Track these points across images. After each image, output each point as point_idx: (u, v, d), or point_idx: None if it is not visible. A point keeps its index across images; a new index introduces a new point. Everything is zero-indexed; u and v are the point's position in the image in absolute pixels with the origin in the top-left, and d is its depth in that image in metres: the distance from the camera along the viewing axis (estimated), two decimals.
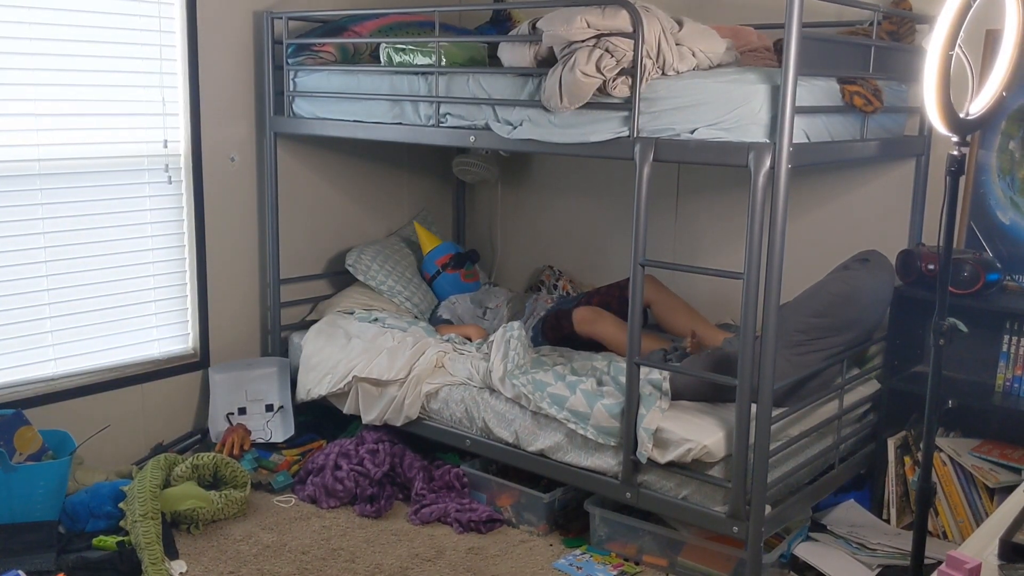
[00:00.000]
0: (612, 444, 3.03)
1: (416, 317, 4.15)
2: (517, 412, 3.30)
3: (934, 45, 1.99)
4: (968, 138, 2.17)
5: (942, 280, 2.25)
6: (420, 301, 4.23)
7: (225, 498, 3.29)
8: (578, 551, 3.15)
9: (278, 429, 3.90)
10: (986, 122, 2.21)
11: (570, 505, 3.33)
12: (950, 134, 2.13)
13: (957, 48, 1.97)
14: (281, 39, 3.89)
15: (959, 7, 1.96)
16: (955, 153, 2.14)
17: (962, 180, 2.37)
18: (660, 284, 3.79)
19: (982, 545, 1.73)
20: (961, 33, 1.98)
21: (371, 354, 3.65)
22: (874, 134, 3.14)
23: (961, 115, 2.11)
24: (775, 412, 2.79)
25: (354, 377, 3.63)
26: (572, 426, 3.09)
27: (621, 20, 2.84)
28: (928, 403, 2.31)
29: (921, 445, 3.25)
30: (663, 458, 2.91)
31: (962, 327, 2.22)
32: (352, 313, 4.07)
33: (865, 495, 3.39)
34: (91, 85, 3.53)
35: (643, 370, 3.01)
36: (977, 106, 2.14)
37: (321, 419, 3.99)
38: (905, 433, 3.36)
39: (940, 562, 2.86)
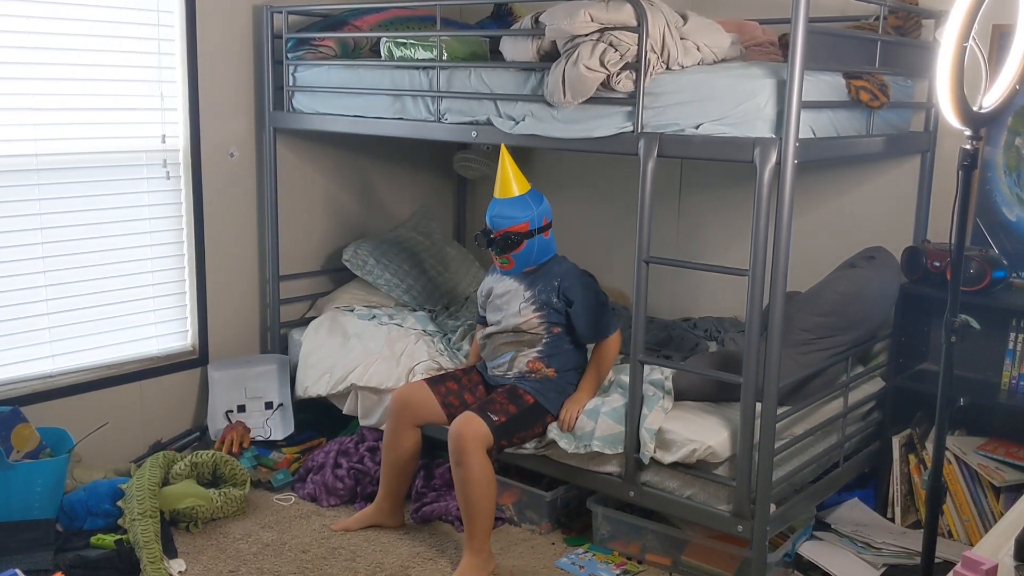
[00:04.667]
0: (619, 451, 2.99)
1: (414, 311, 4.11)
2: None
3: (948, 37, 1.96)
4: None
5: (954, 276, 2.22)
6: (419, 294, 4.18)
7: (224, 496, 3.27)
8: (581, 550, 3.13)
9: (278, 427, 3.87)
10: (999, 116, 2.18)
11: (572, 503, 3.30)
12: (963, 128, 2.10)
13: (971, 40, 1.95)
14: (281, 33, 3.86)
15: None
16: (968, 147, 2.11)
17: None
18: None
19: (997, 545, 1.70)
20: (975, 25, 1.96)
21: (368, 360, 3.60)
22: (880, 130, 3.12)
23: (974, 108, 2.09)
24: (779, 410, 2.77)
25: (352, 384, 3.60)
26: (580, 450, 3.02)
27: (625, 14, 2.82)
28: (939, 401, 2.28)
29: (927, 444, 3.25)
30: (667, 459, 2.89)
31: (974, 324, 2.20)
32: (352, 310, 4.04)
33: (869, 494, 3.37)
34: (89, 80, 3.49)
35: (645, 370, 2.98)
36: (990, 100, 2.11)
37: (321, 417, 3.96)
38: (910, 431, 3.33)
39: (947, 562, 2.86)
